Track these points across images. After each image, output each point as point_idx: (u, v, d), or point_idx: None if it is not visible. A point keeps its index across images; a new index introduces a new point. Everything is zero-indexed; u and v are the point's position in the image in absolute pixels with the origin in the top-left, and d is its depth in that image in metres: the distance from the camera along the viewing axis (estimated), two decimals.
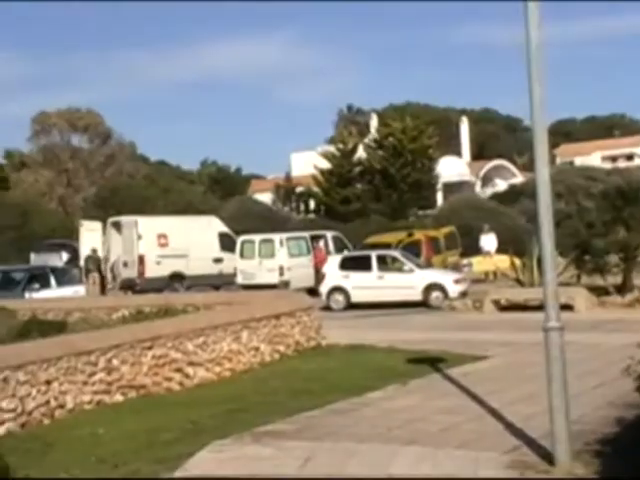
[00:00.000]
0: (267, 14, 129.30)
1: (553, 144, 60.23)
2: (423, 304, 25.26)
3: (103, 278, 31.91)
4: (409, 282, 25.58)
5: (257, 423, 9.84)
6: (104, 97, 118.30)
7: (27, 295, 23.45)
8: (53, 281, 25.10)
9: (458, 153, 68.00)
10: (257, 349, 14.47)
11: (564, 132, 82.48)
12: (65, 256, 37.25)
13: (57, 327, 14.21)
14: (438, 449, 8.52)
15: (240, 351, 14.02)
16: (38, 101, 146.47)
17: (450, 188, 57.74)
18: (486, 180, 66.07)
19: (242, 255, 31.75)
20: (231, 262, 31.97)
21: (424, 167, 53.93)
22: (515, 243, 30.70)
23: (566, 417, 7.77)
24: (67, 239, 41.06)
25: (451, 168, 60.33)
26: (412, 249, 29.64)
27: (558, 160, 67.88)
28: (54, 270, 26.69)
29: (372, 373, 13.11)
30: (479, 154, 73.22)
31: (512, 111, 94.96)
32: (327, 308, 25.63)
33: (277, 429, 9.64)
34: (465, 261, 32.74)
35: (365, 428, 9.57)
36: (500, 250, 32.58)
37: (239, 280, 31.30)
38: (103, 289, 31.55)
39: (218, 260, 32.73)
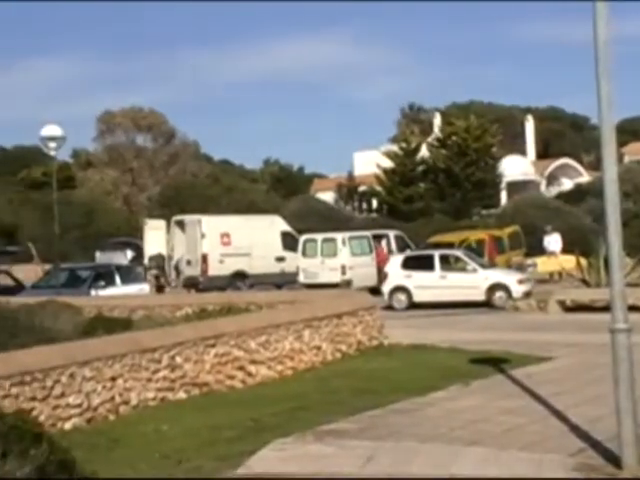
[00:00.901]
0: (333, 11, 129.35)
1: (621, 142, 59.07)
2: (486, 304, 25.09)
3: (158, 278, 32.18)
4: (472, 282, 25.41)
5: (319, 422, 9.86)
6: (167, 96, 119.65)
7: (93, 293, 23.79)
8: (118, 279, 25.44)
9: (523, 152, 67.23)
10: (319, 348, 14.49)
11: (632, 130, 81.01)
12: (130, 254, 37.77)
13: (122, 324, 14.41)
14: (501, 450, 8.45)
15: (302, 350, 14.06)
16: (103, 101, 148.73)
17: (514, 187, 57.14)
18: (551, 179, 65.21)
19: (304, 254, 31.84)
20: (293, 261, 32.08)
21: (488, 166, 53.51)
22: (581, 243, 30.32)
23: (634, 419, 7.65)
24: (132, 237, 41.67)
25: (515, 167, 59.71)
26: (476, 248, 29.45)
27: (626, 159, 66.69)
28: (119, 268, 27.05)
29: (434, 373, 13.05)
30: (544, 153, 72.30)
31: (579, 109, 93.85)
32: (389, 307, 25.60)
33: (339, 428, 9.64)
34: (529, 261, 32.40)
35: (427, 428, 9.53)
36: (566, 250, 32.17)
37: (301, 279, 31.40)
38: (160, 289, 31.81)
39: (280, 259, 32.86)
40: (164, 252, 33.20)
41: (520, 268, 30.01)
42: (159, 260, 32.89)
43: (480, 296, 25.32)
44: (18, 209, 57.44)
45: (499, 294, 25.29)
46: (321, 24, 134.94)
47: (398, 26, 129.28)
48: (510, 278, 25.88)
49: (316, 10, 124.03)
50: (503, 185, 56.00)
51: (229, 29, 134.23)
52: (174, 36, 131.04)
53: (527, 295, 25.12)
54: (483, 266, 26.67)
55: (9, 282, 30.01)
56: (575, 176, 65.19)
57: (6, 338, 11.99)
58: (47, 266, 34.73)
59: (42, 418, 9.61)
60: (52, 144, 22.62)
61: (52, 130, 22.56)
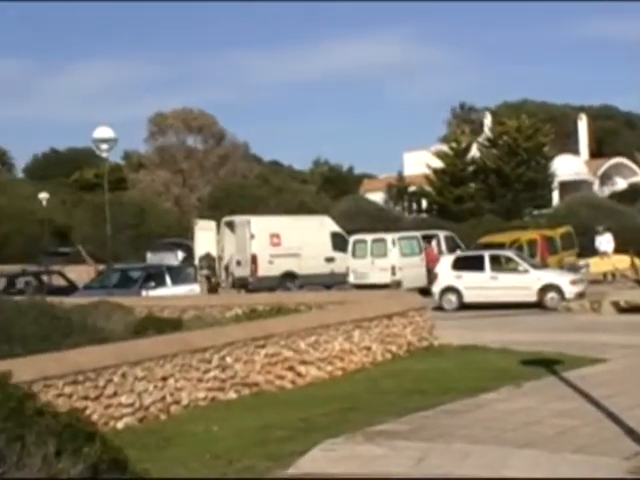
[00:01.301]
0: (383, 12, 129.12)
1: None
2: (538, 305, 24.87)
3: (209, 278, 32.37)
4: (524, 282, 25.21)
5: (369, 422, 9.85)
6: (217, 98, 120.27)
7: (144, 293, 24.00)
8: (168, 279, 25.64)
9: (575, 151, 66.45)
10: (369, 349, 14.47)
11: None
12: (180, 255, 38.04)
13: (172, 324, 14.53)
14: (554, 453, 8.36)
15: (352, 350, 14.05)
16: (154, 103, 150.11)
17: (567, 187, 56.52)
18: (605, 178, 64.37)
19: (354, 254, 31.81)
20: (343, 261, 32.07)
21: (540, 166, 52.98)
22: (635, 243, 29.90)
23: None
24: (182, 238, 41.99)
25: (568, 166, 59.05)
26: (527, 249, 29.20)
27: None
28: (170, 269, 27.27)
29: (485, 374, 12.96)
30: (598, 152, 71.37)
31: (633, 107, 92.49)
32: (439, 308, 25.49)
33: (389, 429, 9.62)
34: (582, 262, 32.04)
35: (478, 430, 9.47)
36: (619, 250, 31.74)
37: (351, 279, 31.37)
38: (213, 289, 31.99)
39: (330, 259, 32.88)
40: (214, 252, 33.39)
41: (573, 269, 29.68)
42: (209, 261, 33.08)
43: (532, 297, 25.10)
44: (71, 210, 58.27)
45: (551, 295, 25.06)
46: (371, 24, 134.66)
47: (449, 25, 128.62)
48: (563, 279, 25.62)
49: (366, 10, 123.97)
50: (555, 185, 55.42)
51: (279, 30, 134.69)
52: (224, 37, 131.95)
53: (580, 296, 24.86)
54: (535, 267, 26.44)
55: (62, 283, 30.46)
56: (629, 175, 64.30)
57: (59, 338, 12.16)
58: (100, 267, 35.18)
59: (95, 417, 9.72)
60: (104, 146, 22.82)
61: (104, 132, 22.78)
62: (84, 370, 9.87)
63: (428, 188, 55.79)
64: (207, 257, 33.13)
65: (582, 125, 69.62)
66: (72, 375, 9.71)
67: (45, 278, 31.20)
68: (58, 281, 31.09)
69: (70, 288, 27.96)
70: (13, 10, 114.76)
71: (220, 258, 32.86)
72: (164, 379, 10.86)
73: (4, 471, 4.75)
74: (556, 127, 56.91)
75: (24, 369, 8.93)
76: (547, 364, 13.23)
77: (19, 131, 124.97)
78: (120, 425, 10.15)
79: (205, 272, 32.21)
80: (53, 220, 53.44)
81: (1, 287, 28.42)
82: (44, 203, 49.28)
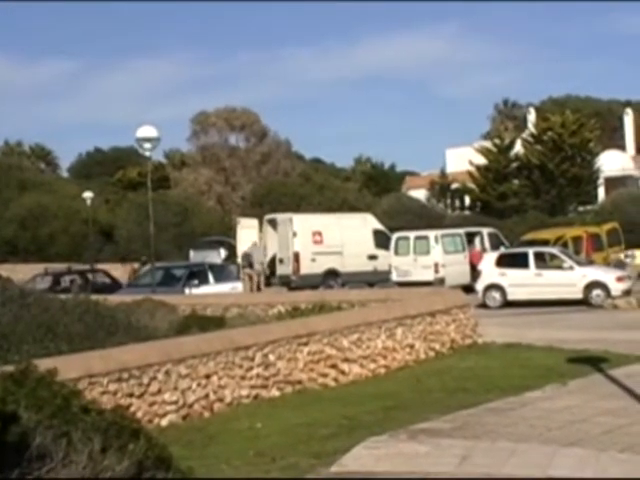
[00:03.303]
0: (430, 8, 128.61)
1: None
2: (583, 302, 24.67)
3: (251, 277, 32.48)
4: (569, 280, 25.02)
5: (413, 420, 9.83)
6: (260, 96, 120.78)
7: (187, 291, 24.15)
8: (211, 277, 25.78)
9: (622, 146, 65.63)
10: (412, 346, 14.44)
11: None
12: (223, 253, 38.21)
13: (216, 322, 14.61)
14: (601, 452, 8.28)
15: (395, 348, 14.03)
16: (197, 101, 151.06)
17: (612, 183, 55.87)
18: None
19: (397, 252, 31.76)
20: (386, 259, 32.04)
21: (585, 162, 52.49)
22: None
23: None
24: (225, 236, 42.17)
25: (614, 162, 58.36)
26: (572, 246, 28.95)
27: None
28: (212, 267, 27.41)
29: (530, 372, 12.88)
30: None
31: None
32: (483, 306, 25.40)
33: (433, 427, 9.59)
34: (628, 252, 31.61)
35: (523, 428, 9.40)
36: None
37: (394, 277, 31.34)
38: (257, 287, 32.12)
39: (373, 257, 32.85)
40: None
41: (619, 265, 29.37)
42: (252, 259, 33.17)
43: (577, 294, 24.90)
44: (114, 209, 58.83)
45: (597, 292, 24.85)
46: (416, 20, 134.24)
47: (493, 21, 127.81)
48: (609, 276, 25.38)
49: (411, 6, 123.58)
50: (601, 181, 54.84)
51: (322, 27, 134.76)
52: (267, 35, 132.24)
53: (626, 293, 24.63)
54: (580, 263, 26.22)
55: (107, 281, 30.78)
56: None
57: (104, 336, 12.29)
58: (135, 265, 35.41)
59: (139, 414, 9.80)
60: (147, 145, 22.99)
61: (147, 131, 22.95)
62: (128, 368, 9.95)
63: (471, 185, 55.52)
64: (250, 255, 33.22)
65: (628, 120, 68.70)
66: (117, 373, 9.80)
67: (90, 276, 31.56)
68: (103, 279, 31.43)
69: (114, 286, 28.24)
70: (57, 9, 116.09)
71: (263, 256, 32.90)
72: (207, 377, 10.91)
73: (51, 468, 4.81)
74: (601, 122, 56.39)
75: (69, 367, 9.03)
76: (593, 362, 13.11)
77: (64, 131, 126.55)
78: (164, 422, 10.22)
79: (248, 270, 32.32)
80: (97, 219, 53.99)
81: (47, 285, 28.78)
82: (88, 202, 49.76)
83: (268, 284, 32.46)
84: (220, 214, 59.00)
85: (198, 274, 25.82)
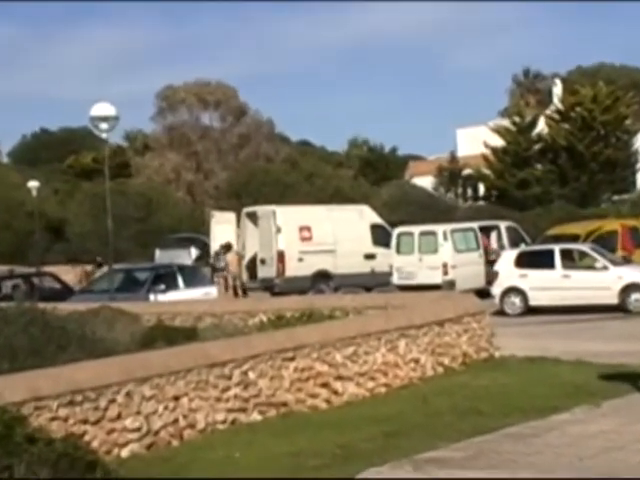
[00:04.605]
0: None
1: None
2: (619, 308, 24.75)
3: (227, 280, 32.50)
4: (602, 282, 25.09)
5: (418, 449, 9.84)
6: (237, 68, 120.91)
7: (152, 297, 24.14)
8: (181, 281, 25.77)
9: None
10: (417, 361, 14.46)
11: None
12: (194, 252, 38.20)
13: (186, 334, 14.59)
14: None
15: (397, 363, 14.04)
16: (162, 74, 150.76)
17: None
18: None
19: (398, 250, 31.81)
20: (385, 259, 32.08)
21: (620, 142, 52.71)
22: None
23: None
24: (196, 233, 42.18)
25: None
26: (606, 242, 29.04)
27: None
28: (182, 269, 27.39)
29: (556, 391, 12.91)
30: None
31: None
32: (501, 313, 25.44)
33: (443, 456, 9.61)
34: None
35: (549, 457, 9.42)
36: None
37: (395, 280, 31.39)
38: (235, 292, 32.13)
39: (370, 256, 32.89)
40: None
41: None
42: (217, 258, 33.16)
43: (612, 299, 24.99)
44: (65, 201, 58.78)
45: (635, 296, 24.97)
46: None
47: None
48: None
49: None
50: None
51: None
52: None
53: None
54: (615, 263, 26.30)
55: (56, 286, 30.71)
56: None
57: (54, 351, 12.25)
58: (88, 267, 35.40)
59: (95, 444, 9.78)
60: (104, 125, 22.94)
61: (103, 109, 22.89)
62: (83, 389, 9.93)
63: (486, 171, 55.69)
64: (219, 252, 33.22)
65: None
66: (68, 395, 9.78)
67: (36, 281, 31.48)
68: (51, 284, 31.36)
69: (65, 292, 28.18)
70: None
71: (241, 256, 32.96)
72: (176, 399, 10.90)
73: None
74: None
75: (12, 388, 9.01)
76: (631, 379, 13.15)
77: (3, 108, 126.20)
78: (125, 453, 10.21)
79: (223, 273, 32.30)
80: (44, 213, 53.88)
81: None
82: (34, 193, 49.61)
83: (247, 289, 32.47)
84: (191, 207, 59.05)
85: (165, 277, 25.80)
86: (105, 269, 29.29)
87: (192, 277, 26.94)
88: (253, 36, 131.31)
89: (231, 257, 32.51)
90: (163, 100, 67.58)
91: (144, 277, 26.31)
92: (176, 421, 10.87)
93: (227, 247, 32.71)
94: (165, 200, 56.51)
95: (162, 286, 25.00)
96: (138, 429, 10.41)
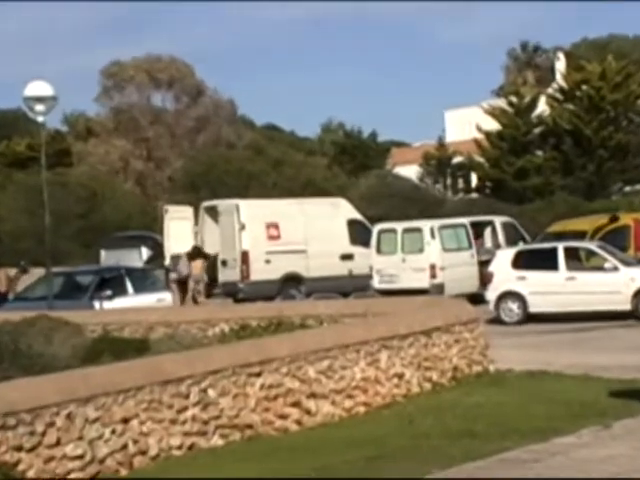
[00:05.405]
0: None
1: None
2: (632, 315, 24.87)
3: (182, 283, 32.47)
4: (612, 285, 25.21)
5: (404, 475, 9.87)
6: (193, 42, 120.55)
7: (96, 305, 24.10)
8: (130, 286, 25.73)
9: None
10: (401, 376, 14.49)
11: None
12: (146, 253, 38.10)
13: (136, 347, 14.57)
14: None
15: (378, 379, 14.07)
16: (107, 49, 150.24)
17: None
18: None
19: (379, 250, 31.87)
20: (365, 259, 32.12)
21: (632, 125, 52.92)
22: None
23: None
24: (148, 230, 42.05)
25: None
26: (617, 239, 29.17)
27: None
28: (131, 272, 27.34)
29: (560, 410, 12.97)
30: None
31: None
32: (496, 321, 25.52)
33: None
34: None
35: None
36: None
37: (375, 284, 31.44)
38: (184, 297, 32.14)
39: (347, 257, 32.93)
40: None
41: None
42: (177, 261, 33.10)
43: (623, 304, 25.11)
44: None
45: None
46: None
47: None
48: None
49: None
50: None
51: None
52: None
53: None
54: (627, 263, 26.41)
55: None
56: None
57: None
58: (11, 272, 35.15)
59: (31, 473, 9.75)
60: (39, 107, 22.83)
61: (39, 88, 22.79)
62: (16, 411, 9.89)
63: (479, 158, 55.85)
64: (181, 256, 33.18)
65: None
66: (0, 418, 9.74)
67: None
68: None
69: None
70: None
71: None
72: (125, 421, 10.88)
73: None
74: None
75: None
76: None
77: None
78: None
79: (175, 275, 32.27)
80: None
81: None
82: None
83: (208, 294, 32.44)
84: (141, 200, 58.87)
85: (112, 282, 25.75)
86: (35, 274, 29.17)
87: (143, 281, 26.91)
88: (210, 4, 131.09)
89: (197, 262, 32.46)
90: (109, 78, 67.34)
91: (87, 282, 26.25)
92: (125, 447, 10.84)
93: (193, 255, 32.61)
94: (111, 193, 56.34)
95: (108, 292, 24.94)
96: (81, 457, 10.38)
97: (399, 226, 32.27)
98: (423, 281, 30.41)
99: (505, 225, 34.35)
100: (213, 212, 33.25)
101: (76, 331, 15.93)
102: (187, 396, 11.59)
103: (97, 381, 10.99)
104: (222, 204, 33.48)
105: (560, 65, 64.58)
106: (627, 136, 52.13)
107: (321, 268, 32.01)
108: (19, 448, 9.86)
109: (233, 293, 31.38)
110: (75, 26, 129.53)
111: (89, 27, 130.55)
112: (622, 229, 30.58)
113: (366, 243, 32.35)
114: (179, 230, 34.18)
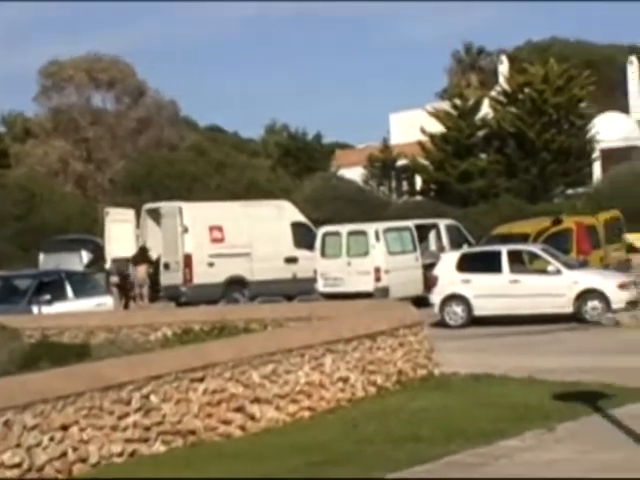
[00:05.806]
0: None
1: None
2: (575, 318, 25.03)
3: (122, 287, 32.30)
4: (555, 288, 25.36)
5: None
6: (134, 41, 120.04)
7: (35, 309, 23.91)
8: (70, 290, 25.55)
9: (624, 108, 66.90)
10: (346, 380, 14.49)
11: None
12: (86, 257, 37.85)
13: (76, 352, 14.46)
14: None
15: (323, 383, 14.06)
16: (45, 48, 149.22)
17: (612, 156, 56.92)
18: None
19: (324, 253, 31.88)
20: (309, 263, 32.11)
21: (575, 128, 53.33)
22: None
23: None
24: (88, 233, 41.80)
25: (614, 129, 59.50)
26: (560, 242, 29.38)
27: None
28: (71, 276, 27.13)
29: (505, 413, 13.03)
30: None
31: None
32: (441, 324, 25.61)
33: None
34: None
35: None
36: None
37: (320, 287, 31.45)
38: (127, 302, 31.99)
39: (291, 260, 32.90)
40: (131, 253, 33.28)
41: (621, 268, 29.90)
42: (126, 264, 32.97)
43: (566, 307, 25.26)
44: None
45: (592, 304, 25.21)
46: None
47: None
48: (607, 282, 25.78)
49: None
50: (596, 154, 55.81)
51: None
52: None
53: (632, 305, 25.03)
54: (570, 266, 26.58)
55: None
56: None
57: None
58: None
59: None
60: None
61: None
62: None
63: (424, 161, 56.04)
64: (123, 260, 33.02)
65: (633, 72, 69.94)
66: None
67: None
68: None
69: None
70: None
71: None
72: (64, 428, 10.79)
73: None
74: (597, 75, 57.29)
75: None
76: (588, 399, 13.29)
77: None
78: None
79: (115, 279, 32.12)
80: None
81: None
82: None
83: (152, 299, 32.31)
84: (81, 202, 58.47)
85: (51, 286, 25.54)
86: None
87: (83, 285, 26.70)
88: (152, 4, 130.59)
89: (141, 267, 32.33)
90: (47, 78, 66.88)
91: (25, 286, 26.01)
92: (64, 454, 10.75)
93: (137, 259, 32.47)
94: (50, 195, 55.89)
95: (47, 296, 24.74)
96: (18, 465, 10.28)
97: (344, 229, 32.31)
98: (368, 284, 30.46)
99: (449, 228, 34.50)
100: (155, 215, 33.09)
101: (13, 336, 15.77)
102: (128, 402, 11.52)
103: (35, 387, 10.89)
104: (164, 206, 33.34)
105: (503, 68, 64.97)
106: (569, 139, 52.52)
107: (265, 271, 31.96)
108: None
109: (176, 297, 31.26)
110: (11, 24, 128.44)
111: (26, 25, 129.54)
112: (565, 232, 30.79)
113: (310, 246, 32.36)
114: (120, 233, 34.04)
